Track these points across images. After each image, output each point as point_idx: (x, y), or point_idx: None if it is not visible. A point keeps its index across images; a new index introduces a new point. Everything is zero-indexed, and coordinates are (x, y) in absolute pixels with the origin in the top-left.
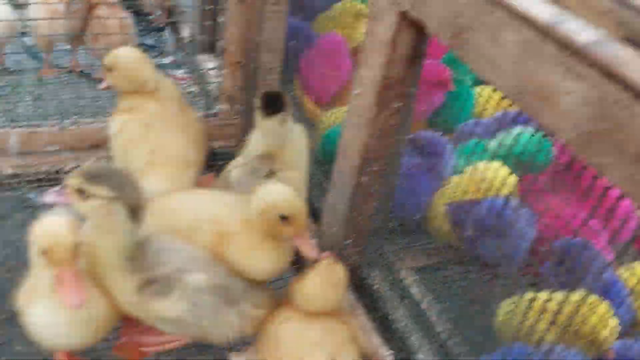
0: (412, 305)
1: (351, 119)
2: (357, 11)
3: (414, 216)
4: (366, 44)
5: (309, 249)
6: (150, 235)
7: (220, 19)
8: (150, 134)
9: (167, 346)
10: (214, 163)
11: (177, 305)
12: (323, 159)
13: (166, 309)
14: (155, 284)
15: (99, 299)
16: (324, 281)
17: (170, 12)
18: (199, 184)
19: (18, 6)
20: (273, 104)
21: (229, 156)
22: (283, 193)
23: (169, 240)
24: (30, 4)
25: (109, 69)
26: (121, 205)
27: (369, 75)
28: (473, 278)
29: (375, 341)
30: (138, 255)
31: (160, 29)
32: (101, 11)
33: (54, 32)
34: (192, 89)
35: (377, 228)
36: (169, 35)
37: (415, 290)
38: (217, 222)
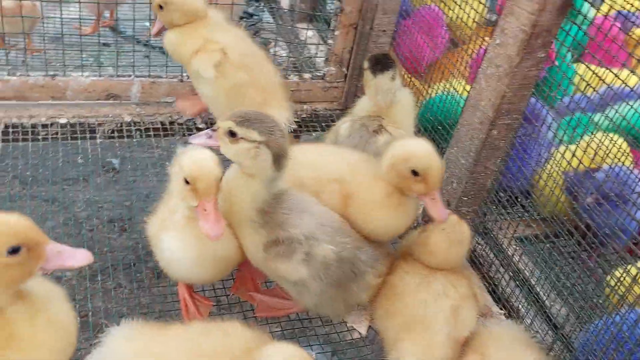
0: (516, 272)
1: (487, 70)
2: None
3: (519, 184)
4: None
5: (438, 210)
6: (287, 190)
7: None
8: (253, 73)
9: (279, 313)
10: (316, 124)
11: (299, 269)
12: (421, 126)
13: (288, 272)
14: (280, 245)
15: (229, 239)
16: (449, 238)
17: None
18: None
19: None
20: (382, 62)
21: (332, 118)
22: (419, 146)
23: (303, 201)
24: None
25: (160, 6)
26: (269, 149)
27: (514, 24)
28: (578, 250)
29: (489, 299)
30: (270, 209)
31: None
32: None
33: None
34: (286, 55)
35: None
36: (268, 4)
37: (518, 259)
38: (341, 181)
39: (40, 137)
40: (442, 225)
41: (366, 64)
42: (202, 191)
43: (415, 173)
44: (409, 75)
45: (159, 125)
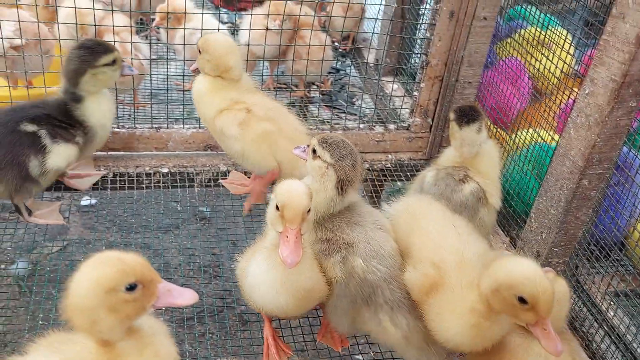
0: (611, 328)
1: (577, 119)
2: (538, 39)
3: (613, 236)
4: (605, 43)
5: (551, 343)
6: (357, 205)
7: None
8: (278, 123)
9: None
10: (400, 173)
11: (335, 269)
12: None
13: (327, 268)
14: (323, 244)
15: (312, 271)
16: None
17: (354, 40)
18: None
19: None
20: (468, 114)
21: (417, 167)
22: (527, 269)
23: (367, 220)
24: (241, 29)
25: (200, 50)
26: (334, 173)
27: (604, 73)
28: None
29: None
30: (330, 216)
31: (344, 54)
32: (305, 32)
33: (261, 51)
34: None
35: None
36: (353, 60)
37: (613, 314)
38: (438, 266)
39: (144, 185)
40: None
41: (452, 116)
42: (288, 218)
43: (522, 301)
44: (495, 127)
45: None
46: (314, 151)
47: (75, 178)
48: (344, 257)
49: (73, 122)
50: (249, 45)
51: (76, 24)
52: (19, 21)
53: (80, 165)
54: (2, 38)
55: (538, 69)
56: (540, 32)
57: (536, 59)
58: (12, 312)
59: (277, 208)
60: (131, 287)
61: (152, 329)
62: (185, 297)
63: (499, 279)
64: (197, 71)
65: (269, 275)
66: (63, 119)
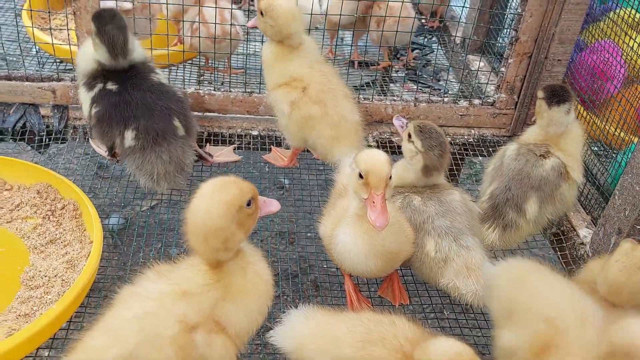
0: None
1: None
2: (633, 20)
3: None
4: None
5: None
6: (442, 187)
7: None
8: (326, 108)
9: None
10: (482, 148)
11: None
12: None
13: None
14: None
15: (398, 234)
16: (626, 267)
17: (442, 15)
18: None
19: None
20: (559, 94)
21: (499, 144)
22: None
23: (452, 205)
24: None
25: (262, 13)
26: (422, 159)
27: None
28: None
29: None
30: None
31: (432, 31)
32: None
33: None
34: (457, 85)
35: None
36: (440, 36)
37: None
38: (551, 323)
39: (235, 146)
40: (616, 256)
41: (541, 94)
42: (373, 184)
43: None
44: (583, 107)
45: None
46: (409, 135)
47: (220, 157)
48: (405, 196)
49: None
50: (326, 14)
51: None
52: None
53: (225, 152)
54: (115, 1)
55: (636, 52)
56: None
57: (634, 40)
58: (106, 261)
59: (361, 176)
60: (249, 203)
61: (251, 251)
62: (274, 204)
63: (617, 342)
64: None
65: (357, 242)
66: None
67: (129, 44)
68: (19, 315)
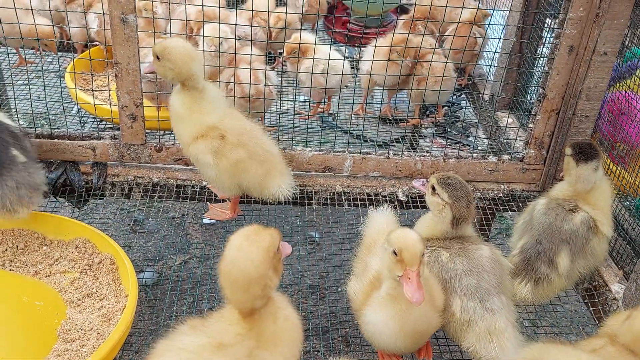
0: None
1: None
2: None
3: None
4: None
5: None
6: (470, 240)
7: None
8: (250, 148)
9: None
10: (512, 203)
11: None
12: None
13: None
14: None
15: (428, 314)
16: None
17: (470, 74)
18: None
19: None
20: (586, 152)
21: (529, 199)
22: None
23: (479, 262)
24: (362, 59)
25: (158, 57)
26: (450, 211)
27: None
28: None
29: None
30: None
31: (460, 88)
32: (429, 56)
33: (381, 80)
34: (486, 141)
35: None
36: (468, 94)
37: None
38: None
39: (268, 201)
40: None
41: (569, 151)
42: (408, 261)
43: None
44: (611, 162)
45: (365, 196)
46: (433, 188)
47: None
48: (433, 250)
49: None
50: (370, 74)
51: (218, 52)
52: None
53: (217, 208)
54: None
55: None
56: None
57: None
58: (138, 315)
59: (394, 253)
60: (277, 249)
61: (279, 297)
62: (287, 246)
63: None
64: (150, 73)
65: (389, 324)
66: None
67: None
68: None
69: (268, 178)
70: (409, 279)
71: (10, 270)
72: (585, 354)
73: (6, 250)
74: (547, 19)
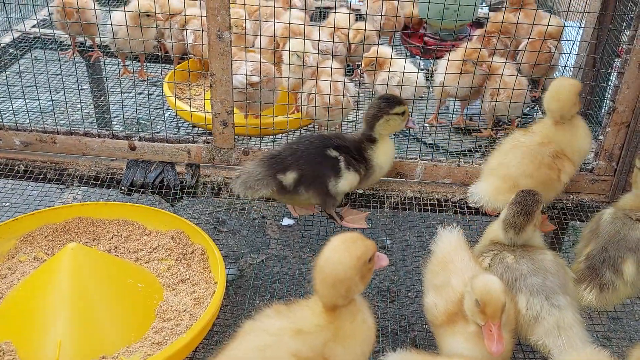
0: None
1: None
2: None
3: None
4: None
5: None
6: (535, 249)
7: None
8: None
9: None
10: (581, 213)
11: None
12: None
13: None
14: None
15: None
16: None
17: (544, 86)
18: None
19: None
20: None
21: (598, 209)
22: None
23: (543, 265)
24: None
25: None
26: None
27: None
28: None
29: None
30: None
31: (534, 100)
32: (500, 69)
33: (454, 91)
34: None
35: None
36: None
37: None
38: None
39: (369, 213)
40: None
41: (639, 163)
42: (490, 315)
43: None
44: None
45: (435, 202)
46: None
47: (348, 223)
48: (497, 253)
49: (361, 158)
50: (443, 85)
51: (302, 66)
52: (259, 62)
53: (355, 217)
54: (245, 75)
55: None
56: None
57: None
58: (220, 309)
59: (477, 303)
60: (370, 258)
61: (361, 301)
62: (384, 258)
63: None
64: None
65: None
66: (356, 153)
67: None
68: (153, 343)
69: None
70: (491, 331)
71: (115, 255)
72: None
73: (112, 238)
74: (621, 34)
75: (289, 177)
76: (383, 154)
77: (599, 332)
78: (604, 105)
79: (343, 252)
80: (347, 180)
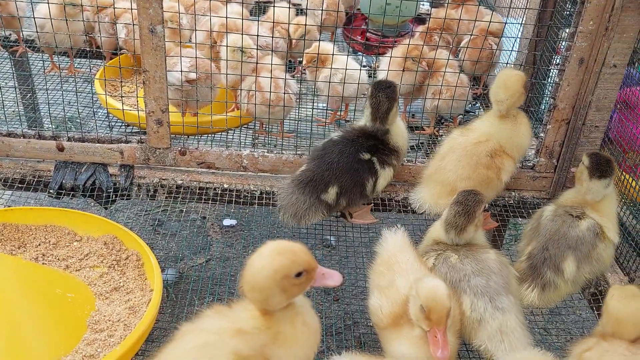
0: None
1: None
2: None
3: None
4: None
5: None
6: (481, 248)
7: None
8: None
9: None
10: (522, 210)
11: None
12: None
13: None
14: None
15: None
16: (620, 299)
17: (485, 83)
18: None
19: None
20: (602, 169)
21: (539, 206)
22: None
23: (487, 264)
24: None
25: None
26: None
27: None
28: None
29: None
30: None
31: (475, 97)
32: (443, 67)
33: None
34: None
35: None
36: (483, 102)
37: None
38: None
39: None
40: (610, 292)
41: (586, 161)
42: (435, 321)
43: None
44: (621, 169)
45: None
46: None
47: (358, 219)
48: (441, 253)
49: (388, 149)
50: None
51: (240, 61)
52: (195, 58)
53: (363, 213)
54: (180, 72)
55: None
56: None
57: None
58: (160, 312)
59: (422, 309)
60: (299, 274)
61: (301, 302)
62: (334, 278)
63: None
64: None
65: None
66: (384, 148)
67: None
68: (85, 356)
69: None
70: (436, 337)
71: (43, 264)
72: None
73: (39, 245)
74: (560, 31)
75: (331, 193)
76: (401, 136)
77: (539, 323)
78: (544, 102)
79: (264, 261)
80: (385, 179)
